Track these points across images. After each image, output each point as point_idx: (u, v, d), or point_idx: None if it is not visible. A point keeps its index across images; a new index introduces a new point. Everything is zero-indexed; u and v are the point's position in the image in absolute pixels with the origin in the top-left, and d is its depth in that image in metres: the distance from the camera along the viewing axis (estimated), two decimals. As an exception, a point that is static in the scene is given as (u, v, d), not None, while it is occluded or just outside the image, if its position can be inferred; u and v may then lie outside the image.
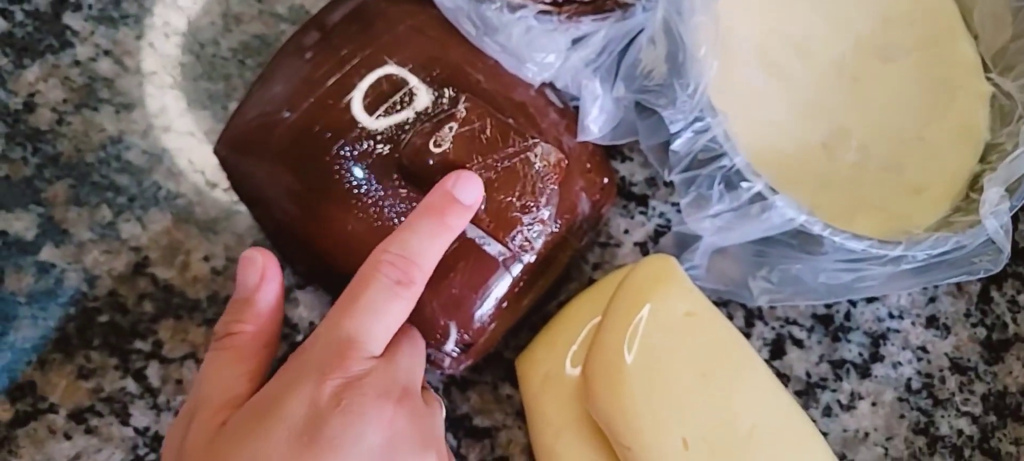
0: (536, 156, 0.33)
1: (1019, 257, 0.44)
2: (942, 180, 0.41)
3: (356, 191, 0.34)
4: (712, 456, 0.32)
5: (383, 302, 0.27)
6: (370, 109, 0.35)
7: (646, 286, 0.34)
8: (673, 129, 0.34)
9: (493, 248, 0.33)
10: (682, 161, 0.36)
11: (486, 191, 0.32)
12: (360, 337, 0.27)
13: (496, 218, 0.33)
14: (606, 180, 0.38)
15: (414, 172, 0.33)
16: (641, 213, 0.42)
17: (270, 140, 0.35)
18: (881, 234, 0.39)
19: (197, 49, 0.41)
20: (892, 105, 0.42)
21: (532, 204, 0.33)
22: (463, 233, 0.33)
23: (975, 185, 0.41)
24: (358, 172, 0.34)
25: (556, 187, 0.34)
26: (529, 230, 0.33)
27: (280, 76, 0.37)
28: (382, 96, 0.35)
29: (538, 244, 0.34)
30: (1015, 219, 0.45)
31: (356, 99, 0.35)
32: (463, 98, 0.33)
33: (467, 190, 0.30)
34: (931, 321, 0.43)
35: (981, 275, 0.36)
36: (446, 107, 0.34)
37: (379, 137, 0.34)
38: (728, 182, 0.36)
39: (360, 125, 0.34)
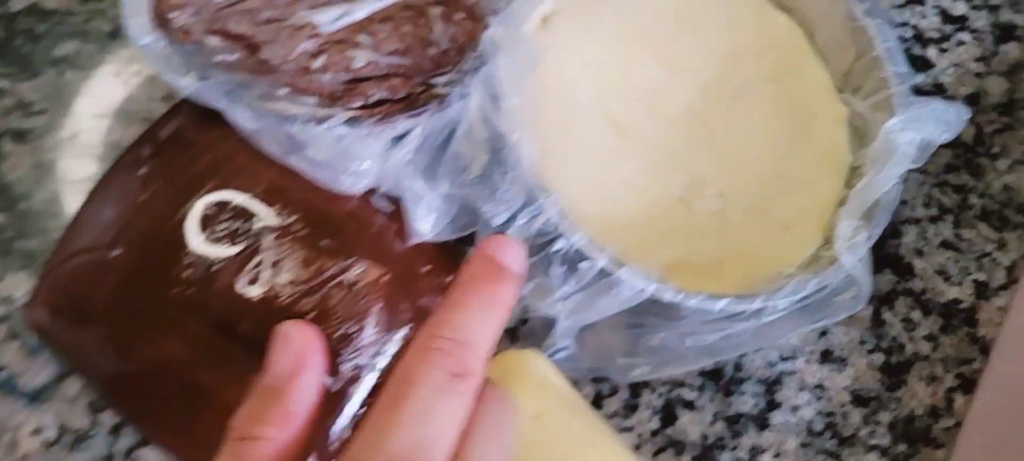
0: (353, 278, 0.31)
1: (904, 272, 0.43)
2: (810, 213, 0.40)
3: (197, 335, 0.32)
4: None
5: (439, 405, 0.21)
6: (207, 236, 0.33)
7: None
8: (495, 223, 0.32)
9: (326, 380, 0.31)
10: (521, 248, 0.34)
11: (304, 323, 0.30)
12: (416, 457, 0.20)
13: (321, 349, 0.31)
14: (452, 276, 0.36)
15: (224, 317, 0.31)
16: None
17: (95, 293, 0.33)
18: (752, 281, 0.38)
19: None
20: (749, 144, 0.41)
21: (354, 329, 0.31)
22: None
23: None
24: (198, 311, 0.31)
25: (382, 304, 0.32)
26: (358, 357, 0.31)
27: (110, 199, 0.35)
28: (218, 222, 0.33)
29: (380, 362, 0.32)
30: (895, 233, 0.44)
31: (191, 227, 0.34)
32: (266, 231, 0.31)
33: (513, 255, 0.24)
34: (825, 356, 0.42)
35: (842, 317, 0.34)
36: (251, 241, 0.32)
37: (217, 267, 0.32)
38: (570, 262, 0.34)
39: (196, 255, 0.32)
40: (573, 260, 0.34)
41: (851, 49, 0.41)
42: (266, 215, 0.33)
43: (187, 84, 0.33)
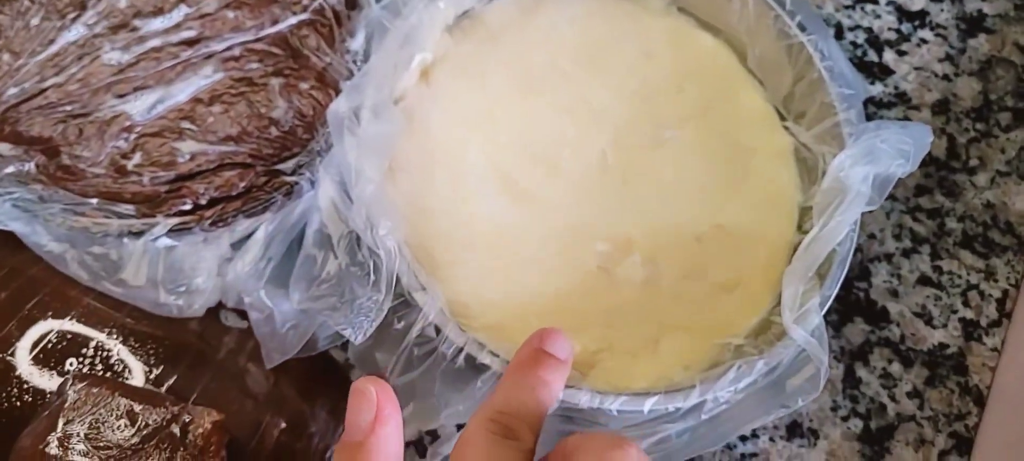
0: (186, 428, 0.25)
1: (878, 318, 0.37)
2: (755, 269, 0.33)
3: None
4: None
5: (494, 451, 0.24)
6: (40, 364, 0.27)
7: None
8: (358, 340, 0.26)
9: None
10: (396, 362, 0.28)
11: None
12: None
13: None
14: (335, 392, 0.30)
15: None
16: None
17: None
18: (695, 358, 0.31)
19: None
20: (678, 195, 0.34)
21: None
22: None
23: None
24: None
25: (224, 453, 0.26)
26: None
27: None
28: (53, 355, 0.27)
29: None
30: (862, 274, 0.38)
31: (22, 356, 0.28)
32: (70, 381, 0.25)
33: (558, 345, 0.27)
34: (793, 430, 0.35)
35: (799, 405, 0.28)
36: (55, 393, 0.26)
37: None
38: (459, 373, 0.28)
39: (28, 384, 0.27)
40: (463, 369, 0.28)
41: (788, 70, 0.35)
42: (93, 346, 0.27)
43: (-31, 207, 0.27)
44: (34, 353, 0.28)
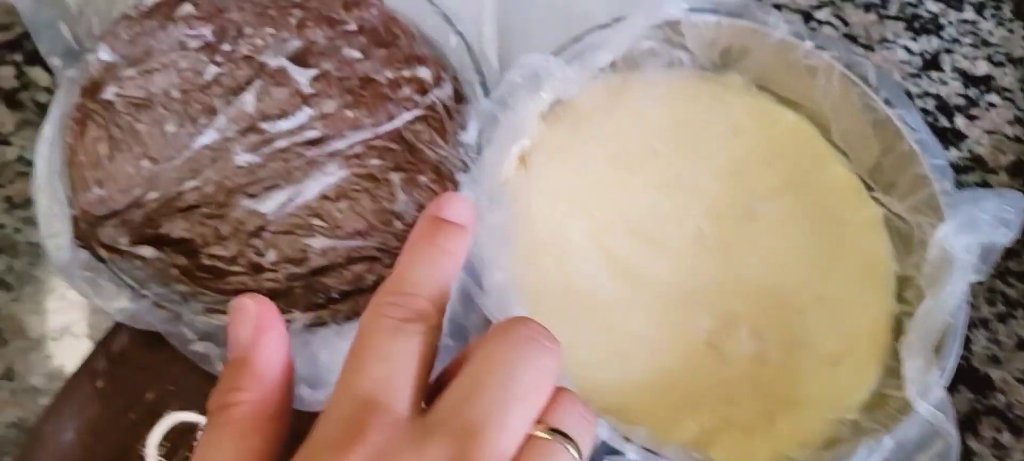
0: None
1: (983, 387, 0.37)
2: (860, 339, 0.34)
3: None
4: None
5: (394, 344, 0.22)
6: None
7: None
8: None
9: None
10: None
11: None
12: (378, 395, 0.22)
13: None
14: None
15: None
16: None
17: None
18: (812, 434, 0.32)
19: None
20: (776, 267, 0.35)
21: None
22: None
23: (901, 332, 0.34)
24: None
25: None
26: None
27: (69, 416, 0.30)
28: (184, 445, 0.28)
29: None
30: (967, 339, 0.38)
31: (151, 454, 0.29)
32: None
33: (452, 207, 0.26)
34: (907, 502, 0.35)
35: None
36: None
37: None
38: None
39: None
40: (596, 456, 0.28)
41: (875, 143, 0.36)
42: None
43: (119, 309, 0.28)
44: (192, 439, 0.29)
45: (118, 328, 0.33)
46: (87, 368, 0.32)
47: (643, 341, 0.33)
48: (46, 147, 0.31)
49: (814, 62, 0.37)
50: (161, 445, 0.30)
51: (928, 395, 0.29)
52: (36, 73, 0.39)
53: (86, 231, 0.30)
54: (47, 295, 0.34)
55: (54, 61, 0.36)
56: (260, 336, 0.23)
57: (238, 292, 0.29)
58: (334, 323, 0.29)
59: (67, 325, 0.34)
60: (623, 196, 0.36)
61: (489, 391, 0.21)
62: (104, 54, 0.33)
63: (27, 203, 0.36)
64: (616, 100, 0.39)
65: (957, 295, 0.30)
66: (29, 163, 0.37)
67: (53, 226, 0.29)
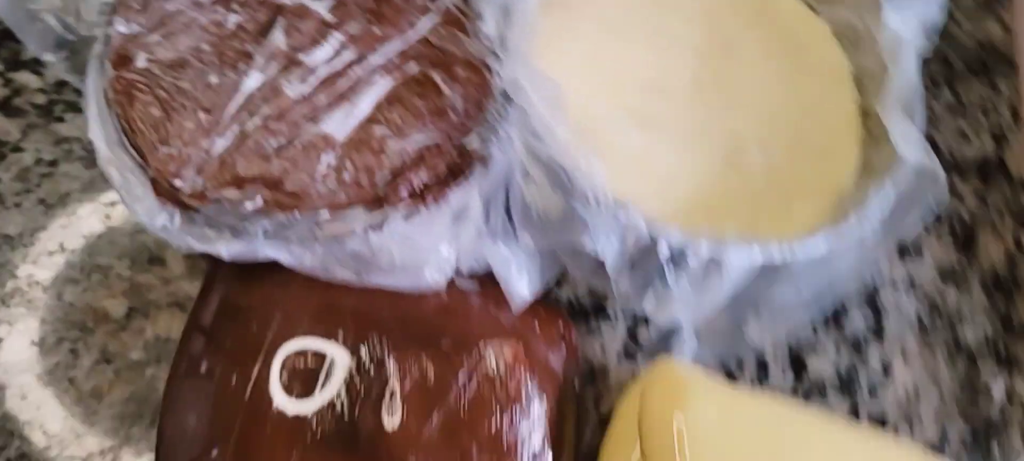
0: (490, 364, 0.29)
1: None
2: (839, 130, 0.40)
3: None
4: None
5: None
6: (295, 393, 0.29)
7: (664, 410, 0.30)
8: (610, 255, 0.30)
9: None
10: (622, 269, 0.32)
11: (465, 435, 0.27)
12: None
13: (494, 451, 0.28)
14: (561, 322, 0.34)
15: (373, 453, 0.27)
16: (605, 322, 0.38)
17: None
18: (823, 212, 0.38)
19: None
20: (761, 89, 0.41)
21: (519, 412, 0.28)
22: None
23: (867, 119, 0.41)
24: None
25: (528, 373, 0.29)
26: (532, 441, 0.28)
27: (184, 408, 0.30)
28: (301, 375, 0.30)
29: (536, 440, 0.30)
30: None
31: (276, 390, 0.30)
32: (388, 354, 0.28)
33: None
34: (903, 250, 0.42)
35: (935, 211, 0.35)
36: (372, 372, 0.29)
37: (316, 421, 0.29)
38: (675, 261, 0.33)
39: (293, 417, 0.29)
40: (676, 259, 0.32)
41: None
42: (341, 353, 0.30)
43: (227, 248, 0.29)
44: (303, 366, 0.30)
45: (202, 298, 0.33)
46: (185, 353, 0.32)
47: (675, 175, 0.38)
48: (97, 125, 0.31)
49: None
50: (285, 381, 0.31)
51: (911, 142, 0.36)
52: (24, 77, 0.38)
53: (167, 189, 0.30)
54: (115, 279, 0.34)
55: (47, 56, 0.35)
56: None
57: (330, 207, 0.31)
58: (425, 209, 0.31)
59: (146, 302, 0.34)
60: (625, 59, 0.40)
61: None
62: (121, 26, 0.33)
63: (61, 201, 0.36)
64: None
65: (912, 63, 0.37)
66: (51, 163, 0.37)
67: (135, 192, 0.30)
